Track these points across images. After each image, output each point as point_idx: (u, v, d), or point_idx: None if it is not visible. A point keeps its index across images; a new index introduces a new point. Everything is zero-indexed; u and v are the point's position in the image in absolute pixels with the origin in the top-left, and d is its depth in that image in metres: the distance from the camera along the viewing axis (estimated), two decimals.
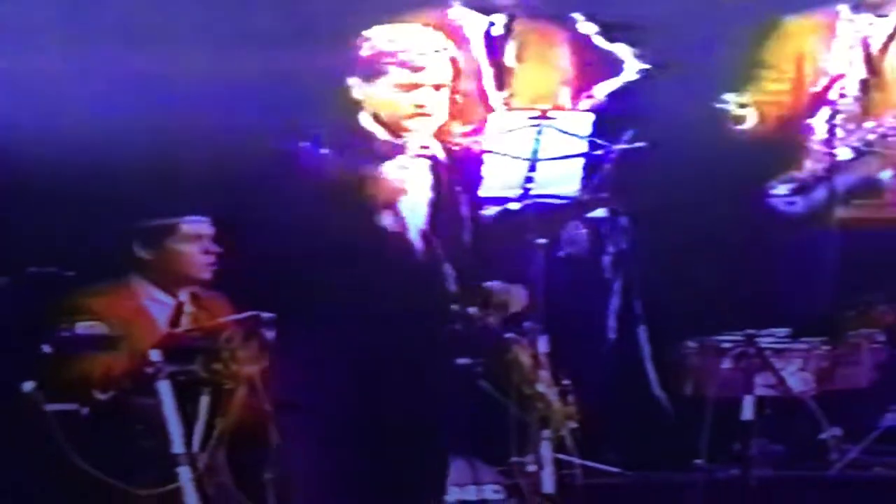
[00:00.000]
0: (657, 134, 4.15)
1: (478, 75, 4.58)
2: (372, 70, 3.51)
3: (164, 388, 4.09)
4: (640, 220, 4.40)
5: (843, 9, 4.60)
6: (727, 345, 4.37)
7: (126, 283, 4.43)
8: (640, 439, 4.45)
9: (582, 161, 4.36)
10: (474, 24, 4.64)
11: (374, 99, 3.52)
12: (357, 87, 3.55)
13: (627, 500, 4.32)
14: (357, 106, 3.54)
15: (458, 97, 3.64)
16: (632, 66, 4.49)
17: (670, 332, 4.52)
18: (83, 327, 4.14)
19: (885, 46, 4.59)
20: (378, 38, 3.54)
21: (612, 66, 4.51)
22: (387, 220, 3.46)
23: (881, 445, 4.46)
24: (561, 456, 4.20)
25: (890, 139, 4.53)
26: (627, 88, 4.48)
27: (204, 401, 4.14)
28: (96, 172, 4.49)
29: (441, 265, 3.49)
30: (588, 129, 4.38)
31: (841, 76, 4.50)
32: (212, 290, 4.44)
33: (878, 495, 4.34)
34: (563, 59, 4.61)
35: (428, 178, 3.56)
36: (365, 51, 3.53)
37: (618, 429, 4.46)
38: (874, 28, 4.60)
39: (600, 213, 4.38)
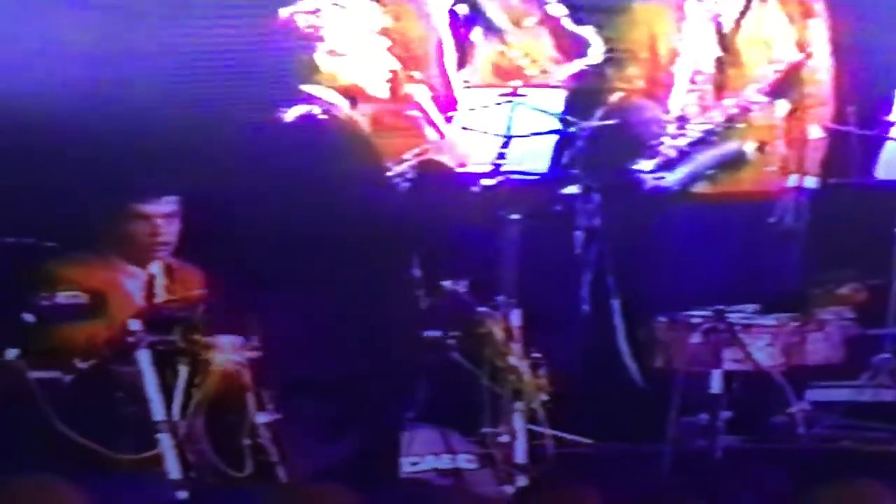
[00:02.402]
0: None
1: (439, 52, 4.65)
2: (323, 39, 3.58)
3: (144, 358, 4.19)
4: (612, 196, 4.48)
5: None
6: (697, 320, 4.45)
7: (99, 254, 4.54)
8: (610, 411, 4.52)
9: (554, 138, 4.47)
10: (439, 2, 4.69)
11: (336, 67, 3.57)
12: (319, 59, 3.62)
13: (598, 470, 4.40)
14: (318, 76, 3.60)
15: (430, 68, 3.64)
16: (597, 49, 4.57)
17: (641, 307, 4.60)
18: (64, 296, 4.24)
19: (737, 24, 4.69)
20: (332, 9, 3.60)
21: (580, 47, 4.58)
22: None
23: (849, 419, 4.55)
24: (533, 427, 4.32)
25: (751, 113, 4.63)
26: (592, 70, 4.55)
27: (183, 370, 4.25)
28: (68, 143, 4.56)
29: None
30: (560, 107, 4.48)
31: (696, 56, 4.61)
32: (183, 262, 4.54)
33: (844, 468, 4.41)
34: (533, 36, 4.67)
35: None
36: (318, 21, 3.59)
37: (588, 401, 4.55)
38: (723, 6, 4.69)
39: (572, 189, 4.45)
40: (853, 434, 4.49)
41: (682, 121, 4.68)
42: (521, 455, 4.23)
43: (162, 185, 4.46)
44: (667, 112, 4.70)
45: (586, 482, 4.33)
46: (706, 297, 4.45)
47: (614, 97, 4.71)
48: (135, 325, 4.21)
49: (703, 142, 4.67)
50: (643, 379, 4.49)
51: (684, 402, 4.32)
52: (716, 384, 4.36)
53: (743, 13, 4.71)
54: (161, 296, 4.44)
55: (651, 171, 4.62)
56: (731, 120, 4.66)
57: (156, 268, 4.53)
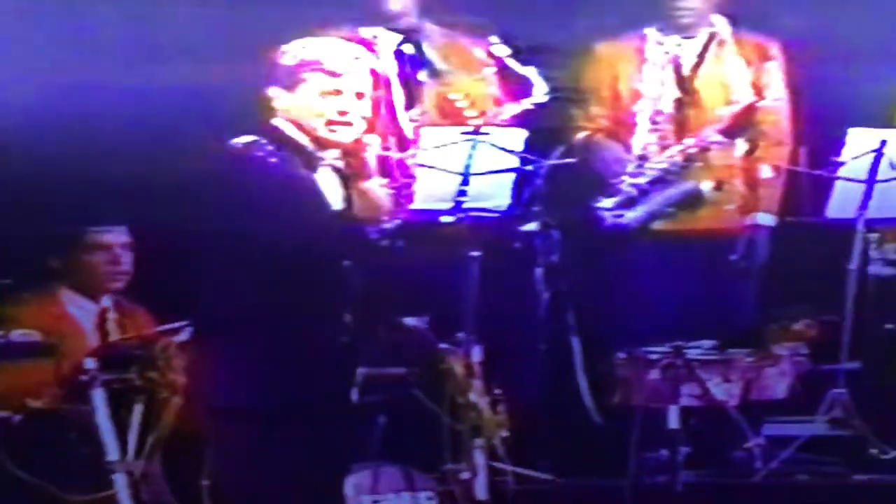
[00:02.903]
0: None
1: (388, 92, 4.66)
2: (293, 79, 3.53)
3: (99, 396, 4.13)
4: (572, 233, 4.51)
5: (651, 32, 4.80)
6: (655, 356, 4.49)
7: (51, 290, 4.47)
8: (570, 447, 4.53)
9: (514, 176, 4.50)
10: (385, 42, 4.72)
11: (296, 107, 3.54)
12: (278, 98, 3.57)
13: None
14: (278, 115, 3.56)
15: (381, 109, 3.67)
16: (541, 90, 4.62)
17: (600, 344, 4.64)
18: (18, 335, 4.16)
19: (696, 66, 4.80)
20: (297, 49, 3.57)
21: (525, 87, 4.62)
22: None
23: (804, 454, 4.60)
24: (493, 463, 4.31)
25: (709, 152, 4.73)
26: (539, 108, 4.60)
27: (138, 408, 4.18)
28: (22, 179, 4.51)
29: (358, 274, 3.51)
30: (520, 145, 4.51)
31: (656, 97, 4.71)
32: (133, 299, 4.49)
33: (800, 501, 4.46)
34: (481, 75, 4.71)
35: (339, 189, 3.58)
36: (285, 60, 3.56)
37: (548, 436, 4.54)
38: (683, 49, 4.81)
39: (532, 226, 4.48)
40: (809, 468, 4.54)
41: (643, 160, 4.75)
42: (482, 492, 4.22)
43: (117, 214, 4.42)
44: (628, 151, 4.77)
45: None
46: (665, 333, 4.50)
47: (577, 136, 4.78)
48: (89, 363, 4.15)
49: (662, 180, 4.74)
50: (602, 415, 4.51)
51: (644, 437, 4.35)
52: (674, 419, 4.40)
53: (701, 55, 4.80)
54: (114, 331, 4.39)
55: (611, 209, 4.69)
56: (689, 159, 4.74)
57: (108, 301, 4.48)
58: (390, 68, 4.70)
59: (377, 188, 3.60)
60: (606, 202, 4.68)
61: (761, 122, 4.79)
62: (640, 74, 4.76)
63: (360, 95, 3.54)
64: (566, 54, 4.74)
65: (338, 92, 3.50)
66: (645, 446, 4.37)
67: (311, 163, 3.47)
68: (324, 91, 3.50)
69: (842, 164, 4.65)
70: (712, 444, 4.52)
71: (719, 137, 4.74)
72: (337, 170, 3.51)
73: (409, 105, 4.70)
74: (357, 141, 3.54)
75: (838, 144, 4.62)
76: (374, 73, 3.58)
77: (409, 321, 4.32)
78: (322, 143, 3.50)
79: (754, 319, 4.73)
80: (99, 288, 4.49)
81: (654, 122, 4.76)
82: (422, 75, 4.70)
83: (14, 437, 4.11)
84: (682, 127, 4.75)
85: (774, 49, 4.82)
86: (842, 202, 4.65)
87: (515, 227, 4.46)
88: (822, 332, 4.70)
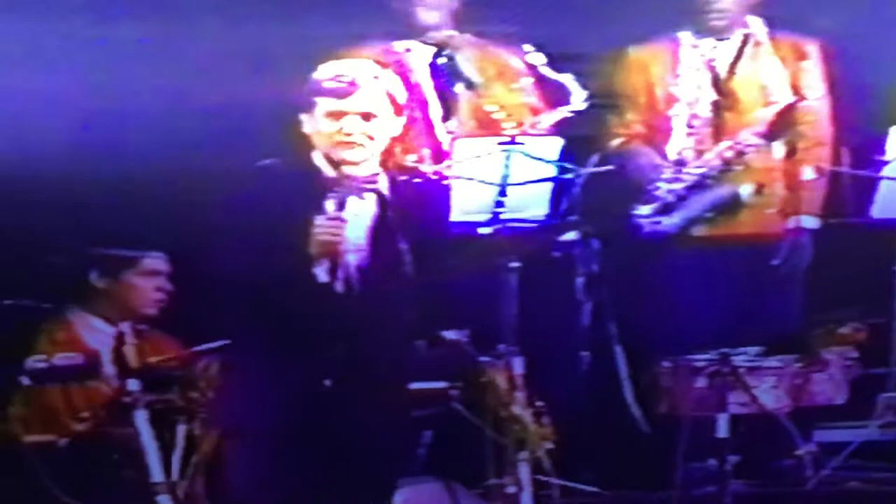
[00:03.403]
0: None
1: (423, 106, 4.64)
2: (310, 102, 3.52)
3: (142, 418, 4.13)
4: (612, 242, 4.46)
5: (685, 35, 4.73)
6: (701, 363, 4.42)
7: (61, 315, 4.45)
8: (616, 458, 4.47)
9: (551, 185, 4.46)
10: (419, 55, 4.69)
11: (314, 132, 3.52)
12: (306, 123, 3.56)
13: None
14: (308, 142, 3.56)
15: (398, 128, 3.59)
16: (578, 96, 4.57)
17: (643, 353, 4.58)
18: (61, 357, 4.17)
19: (732, 68, 4.72)
20: (320, 72, 3.56)
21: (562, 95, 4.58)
22: (320, 272, 3.41)
23: (856, 460, 4.51)
24: (538, 476, 4.26)
25: (747, 155, 4.65)
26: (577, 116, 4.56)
27: (181, 429, 4.17)
28: (58, 197, 4.53)
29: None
30: (556, 154, 4.47)
31: (692, 101, 4.64)
32: (156, 325, 4.49)
33: None
34: (517, 84, 4.67)
35: (373, 213, 3.53)
36: (307, 85, 3.55)
37: (593, 448, 4.49)
38: (718, 51, 4.73)
39: (571, 235, 4.44)
40: (860, 475, 4.46)
41: (680, 165, 4.68)
42: None
43: (154, 241, 4.43)
44: (664, 157, 4.70)
45: None
46: (709, 340, 4.42)
47: (613, 143, 4.74)
48: (133, 384, 4.15)
49: (700, 185, 4.67)
50: (648, 425, 4.45)
51: (691, 447, 4.27)
52: (722, 428, 4.33)
53: (737, 57, 4.73)
54: (131, 356, 4.39)
55: (649, 216, 4.62)
56: (727, 163, 4.67)
57: (126, 326, 4.49)
58: (425, 81, 4.69)
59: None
60: (644, 209, 4.62)
61: (800, 123, 4.71)
62: (674, 79, 4.70)
63: (366, 116, 3.49)
64: (599, 60, 4.70)
65: (342, 114, 3.46)
66: (692, 456, 4.29)
67: (334, 189, 3.43)
68: (328, 112, 3.47)
69: (886, 162, 4.59)
70: (761, 453, 4.44)
71: (757, 140, 4.67)
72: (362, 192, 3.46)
73: (446, 118, 4.68)
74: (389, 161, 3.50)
75: (880, 143, 4.57)
76: (391, 95, 3.52)
77: (450, 335, 4.29)
78: (336, 166, 3.46)
79: (801, 324, 4.63)
80: (126, 313, 4.49)
81: (690, 127, 4.69)
82: (457, 87, 4.68)
83: (59, 460, 4.13)
84: (719, 130, 4.68)
85: (811, 48, 4.75)
86: (887, 201, 4.58)
87: (554, 237, 4.43)
88: (871, 335, 4.62)
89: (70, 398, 4.27)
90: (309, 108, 3.51)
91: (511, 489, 4.16)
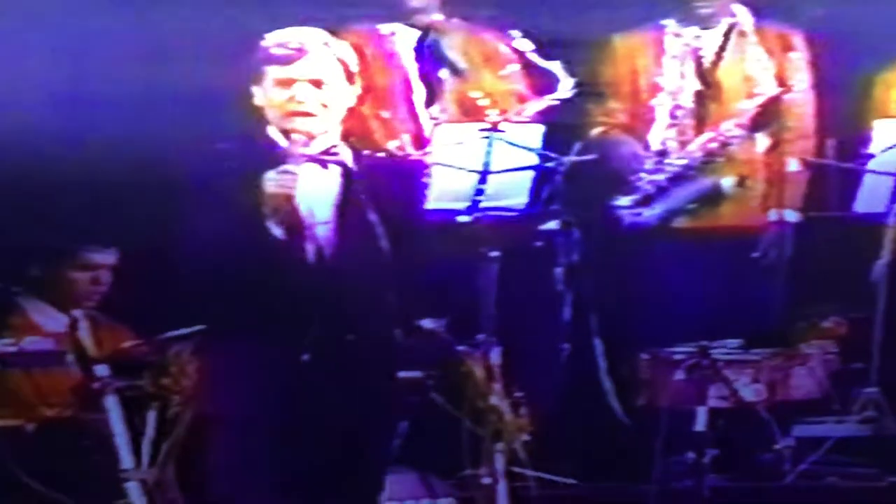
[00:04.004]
0: None
1: (407, 90, 4.56)
2: (259, 73, 3.41)
3: (112, 403, 4.06)
4: (592, 232, 4.41)
5: (670, 23, 4.68)
6: (680, 356, 4.38)
7: (13, 302, 4.37)
8: (594, 450, 4.43)
9: (532, 173, 4.40)
10: (403, 39, 4.62)
11: (266, 102, 3.40)
12: (257, 95, 3.45)
13: None
14: (262, 114, 3.44)
15: (353, 98, 3.49)
16: (565, 84, 4.51)
17: (623, 344, 4.53)
18: (30, 342, 4.10)
19: (716, 58, 4.66)
20: (267, 40, 3.45)
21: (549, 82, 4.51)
22: (275, 229, 3.32)
23: (834, 455, 4.49)
24: (514, 468, 4.22)
25: (730, 147, 4.61)
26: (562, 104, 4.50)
27: (152, 416, 4.11)
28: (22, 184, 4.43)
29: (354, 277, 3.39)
30: (538, 142, 4.41)
31: (676, 90, 4.59)
32: (124, 312, 4.40)
33: None
34: (504, 71, 4.61)
35: (335, 186, 3.42)
36: (256, 54, 3.44)
37: (571, 440, 4.45)
38: (702, 40, 4.68)
39: (552, 225, 4.38)
40: (840, 470, 4.43)
41: (662, 155, 4.63)
42: (503, 498, 4.12)
43: (106, 234, 4.34)
44: (647, 147, 4.65)
45: None
46: (689, 332, 4.38)
47: (594, 132, 4.68)
48: (102, 370, 4.08)
49: (682, 177, 4.62)
50: (627, 417, 4.41)
51: (669, 440, 4.24)
52: (700, 421, 4.29)
53: (722, 47, 4.68)
54: (87, 340, 4.32)
55: (629, 207, 4.58)
56: (710, 154, 4.62)
57: (79, 313, 4.42)
58: (409, 65, 4.61)
59: None
60: (624, 200, 4.57)
61: (785, 116, 4.66)
62: (658, 68, 4.64)
63: (317, 83, 3.35)
64: (584, 48, 4.63)
65: (291, 81, 3.34)
66: (670, 449, 4.26)
67: (290, 158, 3.34)
68: (277, 80, 3.35)
69: (870, 156, 4.55)
70: (740, 447, 4.41)
71: (741, 131, 4.62)
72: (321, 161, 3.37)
73: (429, 103, 4.61)
74: (361, 139, 3.42)
75: (866, 137, 4.53)
76: (344, 63, 3.44)
77: (427, 323, 4.23)
78: (289, 136, 3.35)
79: (782, 318, 4.61)
80: (71, 303, 4.41)
81: (673, 117, 4.63)
82: (442, 72, 4.61)
83: (27, 446, 4.06)
84: (702, 121, 4.63)
85: (798, 39, 4.69)
86: (870, 196, 4.55)
87: (535, 226, 4.37)
88: (852, 330, 4.60)
89: (38, 383, 4.19)
90: (259, 78, 3.40)
91: (487, 480, 4.12)
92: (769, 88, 4.65)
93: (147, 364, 4.14)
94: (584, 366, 4.50)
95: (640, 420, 4.39)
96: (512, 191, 4.35)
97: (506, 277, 4.26)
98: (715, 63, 4.67)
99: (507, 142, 4.30)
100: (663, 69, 4.65)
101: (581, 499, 4.32)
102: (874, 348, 4.48)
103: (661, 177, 4.62)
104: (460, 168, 4.30)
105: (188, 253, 3.38)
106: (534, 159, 4.32)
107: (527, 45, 4.53)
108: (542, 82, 4.56)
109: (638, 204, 4.59)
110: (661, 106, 4.66)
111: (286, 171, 3.31)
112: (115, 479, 4.01)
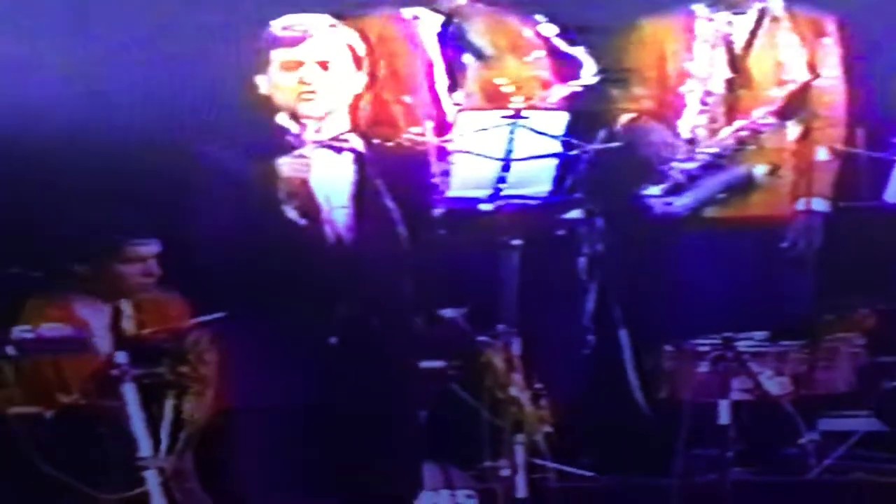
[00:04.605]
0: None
1: (430, 76, 4.50)
2: (265, 60, 3.38)
3: (130, 391, 4.05)
4: (617, 221, 4.34)
5: (700, 8, 4.58)
6: (704, 348, 4.32)
7: (60, 294, 4.33)
8: (615, 443, 4.39)
9: (555, 161, 4.34)
10: (428, 24, 4.55)
11: (273, 88, 3.37)
12: (262, 83, 3.42)
13: None
14: (269, 102, 3.41)
15: (360, 85, 3.43)
16: (590, 69, 4.44)
17: (647, 336, 4.47)
18: (47, 328, 4.09)
19: (748, 44, 4.57)
20: (273, 26, 3.42)
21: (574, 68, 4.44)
22: (291, 212, 3.31)
23: (860, 450, 4.42)
24: (535, 460, 4.18)
25: (762, 135, 4.52)
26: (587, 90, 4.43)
27: (170, 403, 4.09)
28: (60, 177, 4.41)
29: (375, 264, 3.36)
30: (562, 129, 4.34)
31: (706, 77, 4.50)
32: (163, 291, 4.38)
33: (856, 501, 4.29)
34: (528, 57, 4.54)
35: (349, 172, 3.41)
36: (260, 42, 3.42)
37: (592, 432, 4.41)
38: (733, 26, 4.58)
39: (575, 213, 4.32)
40: (865, 465, 4.37)
41: (692, 143, 4.56)
42: (522, 490, 4.08)
43: (149, 225, 4.31)
44: (676, 135, 4.57)
45: None
46: (714, 324, 4.32)
47: (622, 119, 4.60)
48: (120, 357, 4.07)
49: (712, 165, 4.55)
50: (649, 410, 4.36)
51: (692, 433, 4.19)
52: (724, 415, 4.23)
53: (754, 33, 4.59)
54: (130, 328, 4.29)
55: (659, 196, 4.50)
56: (741, 143, 4.54)
57: (125, 303, 4.39)
58: (433, 51, 4.55)
59: None
60: (654, 189, 4.50)
61: (816, 103, 4.57)
62: (688, 53, 4.55)
63: (323, 65, 3.32)
64: (610, 33, 4.55)
65: (298, 63, 3.31)
66: (693, 443, 4.20)
67: (302, 143, 3.30)
68: (283, 64, 3.32)
69: None
70: (764, 441, 4.36)
71: (771, 119, 4.53)
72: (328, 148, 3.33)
73: (452, 89, 4.55)
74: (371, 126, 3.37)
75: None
76: (353, 49, 3.38)
77: (447, 313, 4.19)
78: (298, 120, 3.32)
79: (809, 309, 4.53)
80: (118, 294, 4.35)
81: (703, 104, 4.55)
82: (466, 58, 4.55)
83: (44, 433, 4.05)
84: (732, 109, 4.54)
85: (830, 25, 4.59)
86: None
87: (558, 215, 4.31)
88: (880, 322, 4.52)
89: (57, 370, 4.18)
90: (264, 66, 3.37)
91: (506, 472, 4.07)
92: (800, 75, 4.55)
93: (165, 351, 4.12)
94: (606, 357, 4.45)
95: (663, 413, 4.35)
96: (535, 179, 4.29)
97: (527, 267, 4.22)
98: (746, 49, 4.58)
99: (530, 129, 4.24)
100: (693, 55, 4.57)
101: (601, 492, 4.28)
102: None
103: (691, 165, 4.54)
104: (482, 155, 4.25)
105: (207, 240, 3.35)
106: (557, 147, 4.26)
107: (551, 30, 4.46)
108: (567, 69, 4.50)
109: (668, 193, 4.51)
110: (691, 93, 4.57)
111: (300, 156, 3.27)
112: (132, 467, 4.00)
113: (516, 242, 4.23)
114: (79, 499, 3.98)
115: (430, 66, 4.55)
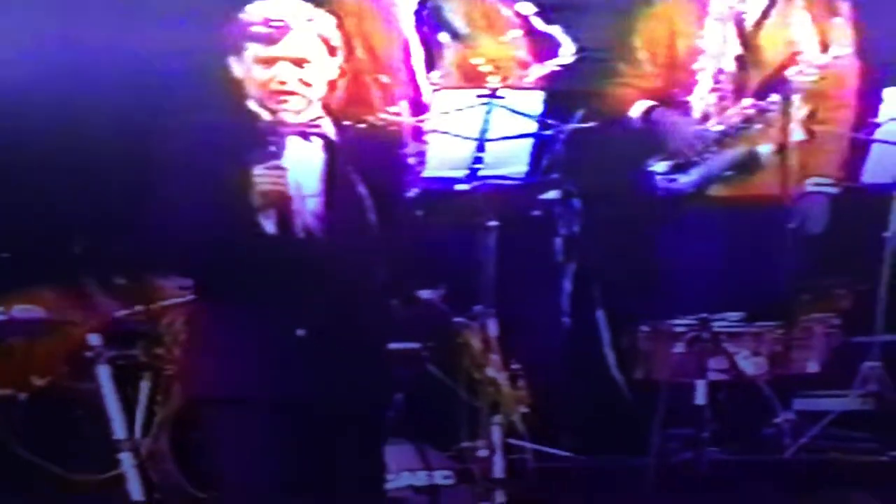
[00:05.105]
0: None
1: (406, 55, 4.47)
2: (239, 47, 3.32)
3: (104, 373, 4.01)
4: (590, 202, 4.33)
5: None
6: (680, 329, 4.32)
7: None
8: (592, 423, 4.39)
9: (532, 141, 4.32)
10: (404, 3, 4.50)
11: (247, 78, 3.32)
12: (236, 66, 3.36)
13: (579, 484, 4.27)
14: (240, 87, 3.35)
15: (334, 71, 3.39)
16: (567, 49, 4.41)
17: (622, 316, 4.47)
18: (20, 310, 4.05)
19: (760, 22, 4.52)
20: (250, 12, 3.35)
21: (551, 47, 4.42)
22: (267, 223, 3.27)
23: (835, 429, 4.44)
24: (512, 441, 4.18)
25: (769, 114, 4.48)
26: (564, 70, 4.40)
27: (145, 386, 4.06)
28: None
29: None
30: (539, 109, 4.33)
31: (717, 53, 4.46)
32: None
33: (831, 479, 4.31)
34: (506, 37, 4.51)
35: (320, 158, 3.34)
36: (233, 27, 3.35)
37: (569, 413, 4.41)
38: (747, 4, 4.53)
39: (552, 194, 4.31)
40: (841, 444, 4.39)
41: (702, 121, 4.48)
42: (500, 470, 4.08)
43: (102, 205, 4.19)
44: (687, 113, 4.49)
45: (568, 497, 4.23)
46: (692, 304, 4.31)
47: (628, 97, 4.51)
48: (94, 339, 4.03)
49: (719, 143, 4.48)
50: (626, 390, 4.36)
51: (668, 413, 4.19)
52: (700, 395, 4.24)
53: (767, 11, 4.50)
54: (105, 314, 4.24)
55: (665, 173, 4.43)
56: (748, 121, 4.47)
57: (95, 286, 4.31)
58: (409, 30, 4.52)
59: None
60: (660, 166, 4.42)
61: (824, 83, 4.48)
62: (700, 30, 4.46)
63: (299, 62, 3.29)
64: (587, 11, 4.52)
65: (273, 60, 3.28)
66: (669, 423, 4.20)
67: (273, 136, 3.28)
68: (259, 59, 3.29)
69: (878, 125, 4.45)
70: (740, 420, 4.36)
71: (780, 98, 4.42)
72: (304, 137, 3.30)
73: (429, 69, 4.52)
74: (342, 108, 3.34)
75: (875, 106, 4.43)
76: (325, 39, 3.35)
77: (424, 294, 4.18)
78: (273, 112, 3.28)
79: (785, 290, 4.55)
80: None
81: (716, 82, 4.47)
82: (443, 37, 4.52)
83: (18, 415, 4.02)
84: (741, 86, 4.46)
85: (843, 5, 4.49)
86: (878, 166, 4.46)
87: (534, 196, 4.30)
88: (856, 303, 4.53)
89: (30, 352, 4.15)
90: (237, 51, 3.32)
91: (483, 453, 4.07)
92: (811, 54, 4.47)
93: (140, 333, 4.09)
94: (583, 338, 4.44)
95: (639, 393, 4.35)
96: (511, 159, 4.27)
97: (504, 248, 4.20)
98: (758, 26, 4.49)
99: (507, 108, 4.22)
100: (705, 31, 4.48)
101: (578, 472, 4.28)
102: (878, 322, 4.43)
103: (699, 143, 4.46)
104: (458, 135, 4.23)
105: (176, 227, 3.32)
106: (534, 126, 4.25)
107: (529, 9, 4.43)
108: (544, 48, 4.46)
109: (674, 170, 4.45)
110: (703, 70, 4.49)
111: (275, 167, 3.25)
112: (107, 450, 3.97)
113: (493, 223, 4.25)
114: (53, 481, 3.95)
115: (407, 45, 4.52)
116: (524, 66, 4.51)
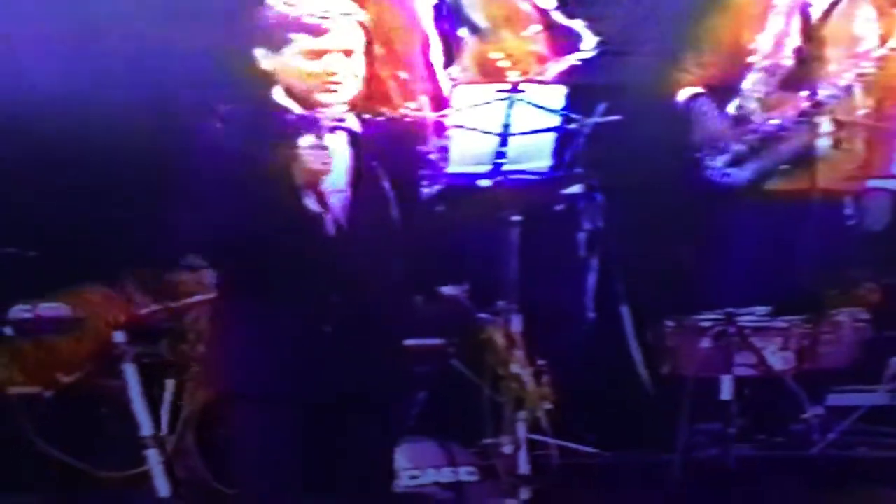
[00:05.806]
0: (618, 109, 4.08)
1: (426, 50, 4.46)
2: (277, 39, 3.32)
3: (130, 371, 4.03)
4: (614, 196, 4.30)
5: None
6: (706, 324, 4.29)
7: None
8: (617, 419, 4.36)
9: (554, 135, 4.30)
10: None
11: (284, 70, 3.33)
12: (265, 59, 3.37)
13: (604, 481, 4.25)
14: (268, 79, 3.35)
15: (361, 65, 3.39)
16: (588, 42, 4.39)
17: (647, 311, 4.44)
18: (46, 308, 4.07)
19: (825, 14, 4.45)
20: (279, 4, 3.36)
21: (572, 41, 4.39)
22: (309, 202, 3.29)
23: (864, 425, 4.39)
24: (536, 437, 4.17)
25: (828, 107, 4.41)
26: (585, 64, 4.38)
27: (170, 383, 4.08)
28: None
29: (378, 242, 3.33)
30: (561, 103, 4.31)
31: (779, 45, 4.41)
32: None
33: (860, 475, 4.26)
34: (525, 32, 4.49)
35: (345, 153, 3.35)
36: (267, 19, 3.34)
37: (594, 409, 4.38)
38: None
39: (575, 188, 4.29)
40: (869, 440, 4.34)
41: (756, 115, 4.42)
42: (524, 466, 4.07)
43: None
44: (741, 105, 4.43)
45: (592, 494, 4.20)
46: (719, 300, 4.26)
47: (682, 93, 4.44)
48: (119, 337, 4.05)
49: (775, 137, 4.42)
50: (652, 386, 4.33)
51: (694, 409, 4.16)
52: (726, 390, 4.20)
53: (833, 4, 4.43)
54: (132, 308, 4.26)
55: (719, 168, 4.38)
56: (805, 115, 4.39)
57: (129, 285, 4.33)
58: (428, 24, 4.52)
59: None
60: (717, 160, 4.37)
61: (887, 76, 4.40)
62: (763, 22, 4.41)
63: (348, 53, 3.32)
64: (610, 4, 4.49)
65: (324, 52, 3.29)
66: (696, 419, 4.18)
67: (305, 129, 3.29)
68: (308, 52, 3.29)
69: None
70: (767, 416, 4.32)
71: (839, 92, 4.38)
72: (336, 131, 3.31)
73: (448, 63, 4.50)
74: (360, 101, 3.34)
75: None
76: (364, 26, 3.37)
77: (448, 290, 4.17)
78: (314, 106, 3.28)
79: (813, 284, 4.50)
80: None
81: (772, 74, 4.41)
82: (462, 32, 4.52)
83: (44, 413, 4.05)
84: (799, 80, 4.39)
85: None
86: None
87: (557, 190, 4.28)
88: (885, 297, 4.48)
89: (56, 349, 4.18)
90: (277, 44, 3.32)
91: (508, 449, 4.06)
92: (872, 48, 4.41)
93: (165, 331, 4.11)
94: (608, 333, 4.41)
95: (665, 389, 4.32)
96: (534, 154, 4.25)
97: (528, 243, 4.19)
98: (823, 19, 4.41)
99: (528, 103, 4.20)
100: (767, 23, 4.42)
101: (603, 468, 4.26)
102: None
103: (754, 137, 4.41)
104: (480, 130, 4.22)
105: (200, 225, 3.33)
106: (556, 121, 4.22)
107: (549, 2, 4.42)
108: (565, 42, 4.44)
109: (729, 164, 4.39)
110: (760, 62, 4.43)
111: (319, 147, 3.26)
112: (133, 446, 3.99)
113: (516, 218, 4.23)
114: (80, 478, 3.97)
115: (427, 40, 4.51)
116: (543, 60, 4.49)
